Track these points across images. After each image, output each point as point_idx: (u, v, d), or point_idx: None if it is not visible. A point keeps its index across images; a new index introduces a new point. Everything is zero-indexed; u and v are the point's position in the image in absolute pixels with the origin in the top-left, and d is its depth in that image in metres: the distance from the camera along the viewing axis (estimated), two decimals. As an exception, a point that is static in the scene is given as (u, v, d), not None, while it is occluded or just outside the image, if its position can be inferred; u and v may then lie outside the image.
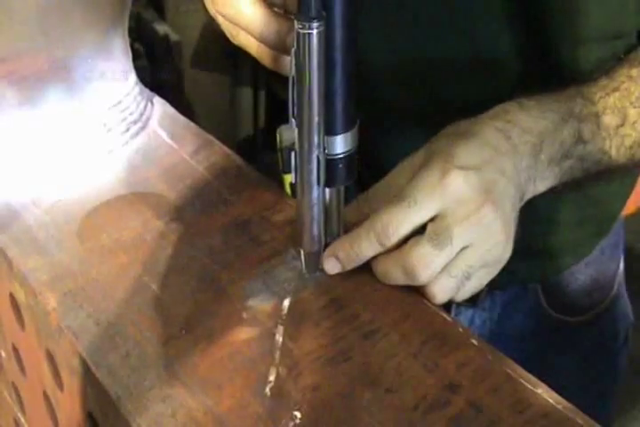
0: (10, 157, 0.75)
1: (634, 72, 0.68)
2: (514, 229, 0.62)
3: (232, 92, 1.78)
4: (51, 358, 0.66)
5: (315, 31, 0.50)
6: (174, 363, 0.57)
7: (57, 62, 0.75)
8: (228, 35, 0.59)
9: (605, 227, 0.96)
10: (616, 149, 0.67)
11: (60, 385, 0.67)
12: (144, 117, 0.81)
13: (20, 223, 0.71)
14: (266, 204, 0.70)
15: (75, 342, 0.60)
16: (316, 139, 0.55)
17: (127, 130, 0.79)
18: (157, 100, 0.85)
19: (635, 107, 0.67)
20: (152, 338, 0.59)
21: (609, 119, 0.66)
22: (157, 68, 1.52)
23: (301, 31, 0.50)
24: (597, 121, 0.66)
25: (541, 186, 0.66)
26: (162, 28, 1.53)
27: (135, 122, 0.80)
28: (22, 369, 0.77)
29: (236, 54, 1.71)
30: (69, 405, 0.65)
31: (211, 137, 0.80)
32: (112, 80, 0.79)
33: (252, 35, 0.54)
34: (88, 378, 0.59)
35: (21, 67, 0.74)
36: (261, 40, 0.54)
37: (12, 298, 0.71)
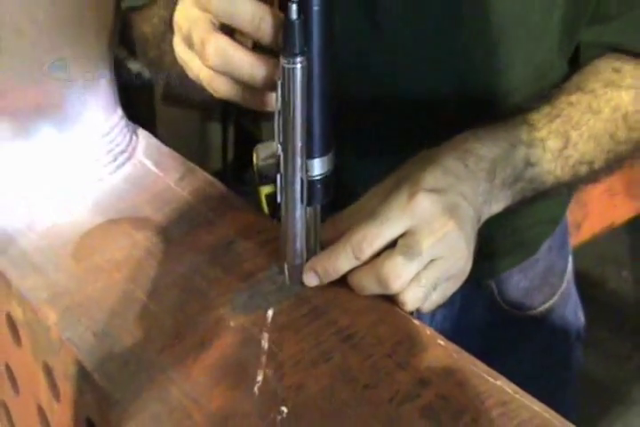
0: (4, 185, 0.82)
1: (573, 98, 0.78)
2: (473, 246, 0.71)
3: (202, 127, 1.86)
4: (48, 370, 0.73)
5: (299, 66, 0.58)
6: (169, 368, 0.64)
7: (49, 96, 0.83)
8: (211, 90, 0.67)
9: (549, 229, 1.07)
10: (561, 168, 0.77)
11: (57, 396, 0.73)
12: (130, 148, 0.89)
13: (17, 247, 0.78)
14: (248, 225, 0.78)
15: (76, 353, 0.67)
16: (299, 162, 0.63)
17: (115, 159, 0.87)
18: (141, 131, 0.93)
19: (575, 130, 0.77)
20: (147, 347, 0.66)
21: (553, 143, 0.76)
22: (131, 104, 1.60)
23: (286, 66, 0.58)
24: (543, 145, 0.75)
25: (496, 207, 0.75)
26: (135, 66, 1.61)
27: (122, 152, 0.88)
28: (15, 387, 0.84)
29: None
30: (66, 413, 0.72)
31: (193, 165, 0.88)
32: (100, 113, 0.87)
33: (241, 79, 0.62)
34: (88, 385, 0.66)
35: (15, 100, 0.82)
36: (251, 80, 0.62)
37: (9, 317, 0.78)
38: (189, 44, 0.64)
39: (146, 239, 0.78)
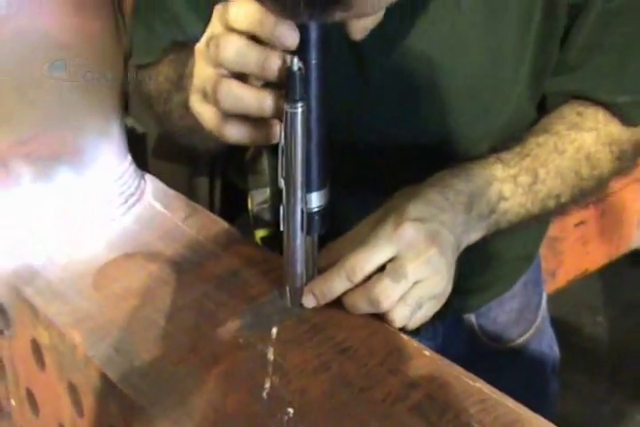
0: (27, 224, 0.92)
1: (540, 139, 0.89)
2: (453, 270, 0.81)
3: (190, 181, 1.97)
4: (72, 388, 0.82)
5: (299, 110, 0.69)
6: (186, 378, 0.73)
7: (68, 144, 0.93)
8: (222, 137, 0.75)
9: (524, 265, 1.19)
10: (531, 202, 0.87)
11: (80, 412, 0.82)
12: (139, 191, 0.99)
13: (42, 279, 0.88)
14: (250, 256, 0.88)
15: (101, 367, 0.76)
16: (299, 195, 0.73)
17: (126, 201, 0.97)
18: (148, 176, 1.03)
19: (543, 167, 0.87)
20: (165, 361, 0.75)
21: (524, 179, 0.86)
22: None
23: (289, 111, 0.69)
24: (515, 181, 0.86)
25: (474, 236, 0.85)
26: (128, 122, 1.73)
27: (132, 194, 0.98)
28: (35, 409, 0.92)
29: (194, 145, 1.93)
30: (90, 426, 0.81)
31: (197, 206, 0.98)
32: (113, 159, 0.97)
33: (251, 113, 0.72)
34: (113, 396, 0.75)
35: (37, 148, 0.92)
36: (260, 112, 0.72)
37: (34, 343, 0.86)
38: (204, 96, 0.74)
39: (158, 270, 0.87)
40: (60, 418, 0.87)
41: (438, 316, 0.82)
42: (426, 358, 0.73)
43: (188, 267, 0.88)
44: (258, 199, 1.36)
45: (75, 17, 0.91)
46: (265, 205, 1.24)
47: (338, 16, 0.63)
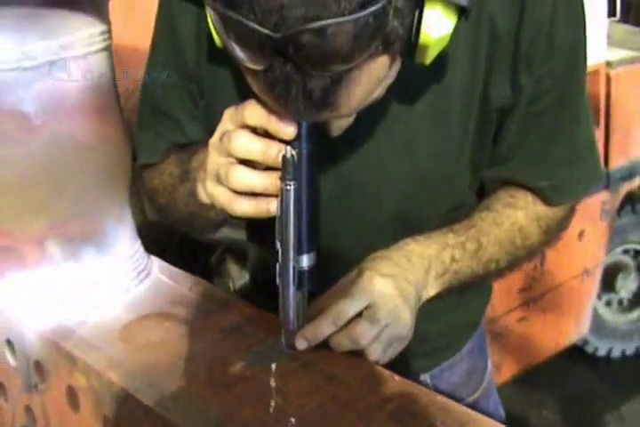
0: (60, 294, 1.15)
1: (483, 215, 1.15)
2: (415, 318, 1.05)
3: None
4: (107, 421, 1.03)
5: (292, 187, 0.93)
6: (207, 401, 0.96)
7: (93, 228, 1.17)
8: (231, 211, 0.97)
9: (471, 330, 1.43)
10: (477, 264, 1.12)
11: (113, 442, 1.03)
12: (148, 267, 1.23)
13: (77, 335, 1.10)
14: (248, 314, 1.12)
15: (138, 398, 0.98)
16: (291, 255, 0.97)
17: (138, 275, 1.20)
18: (153, 257, 1.27)
19: (485, 236, 1.13)
20: (189, 389, 0.98)
21: (470, 245, 1.12)
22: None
23: (284, 188, 0.93)
24: (463, 247, 1.11)
25: (432, 292, 1.09)
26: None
27: (143, 270, 1.22)
28: (64, 452, 1.13)
29: (163, 244, 2.18)
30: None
31: (199, 278, 1.22)
32: (127, 240, 1.21)
33: (257, 191, 0.96)
34: (147, 419, 0.97)
35: (68, 231, 1.16)
36: (265, 190, 0.96)
37: (69, 389, 1.08)
38: (217, 179, 0.99)
39: (173, 327, 1.10)
40: (90, 453, 1.08)
41: (401, 373, 1.04)
42: (397, 381, 0.97)
43: (196, 324, 1.11)
44: (239, 282, 1.60)
45: (95, 121, 1.16)
46: (245, 285, 1.48)
47: (325, 116, 0.89)
